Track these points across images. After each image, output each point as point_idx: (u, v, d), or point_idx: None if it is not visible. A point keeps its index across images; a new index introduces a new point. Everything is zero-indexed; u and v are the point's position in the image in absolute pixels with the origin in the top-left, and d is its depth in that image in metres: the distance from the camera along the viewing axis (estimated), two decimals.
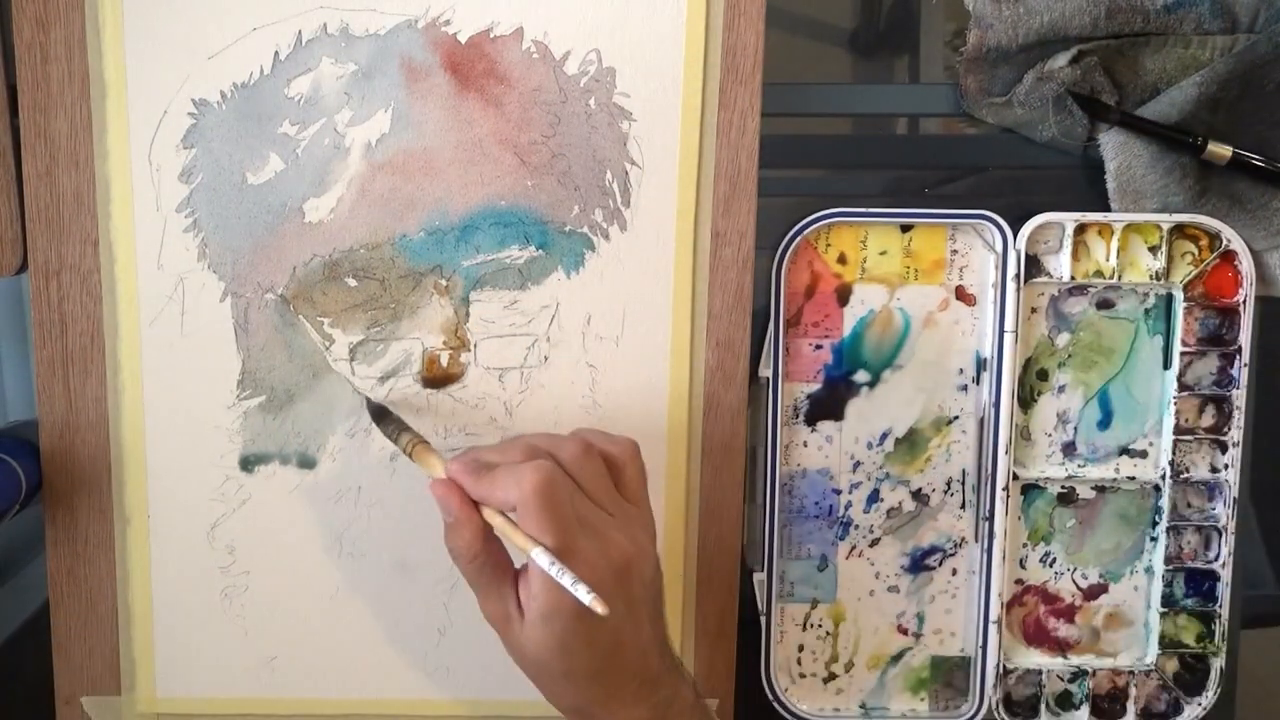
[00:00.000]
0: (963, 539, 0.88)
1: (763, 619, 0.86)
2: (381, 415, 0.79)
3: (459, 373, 0.82)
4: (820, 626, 0.89)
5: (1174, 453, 0.86)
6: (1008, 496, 0.85)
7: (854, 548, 0.88)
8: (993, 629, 0.86)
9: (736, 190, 0.80)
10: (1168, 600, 0.88)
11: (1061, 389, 0.86)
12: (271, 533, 0.83)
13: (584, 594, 0.62)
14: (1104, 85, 0.82)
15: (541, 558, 0.63)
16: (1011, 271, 0.82)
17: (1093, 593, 0.89)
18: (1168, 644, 0.88)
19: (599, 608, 0.61)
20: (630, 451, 0.71)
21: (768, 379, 0.84)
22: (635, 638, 0.68)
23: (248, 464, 0.82)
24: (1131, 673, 0.88)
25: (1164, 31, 0.82)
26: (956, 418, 0.86)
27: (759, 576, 0.86)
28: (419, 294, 0.80)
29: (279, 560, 0.83)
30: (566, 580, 0.62)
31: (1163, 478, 0.86)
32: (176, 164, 0.79)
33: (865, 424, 0.87)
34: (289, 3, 0.77)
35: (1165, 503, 0.86)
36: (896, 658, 0.89)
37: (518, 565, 0.68)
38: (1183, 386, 0.85)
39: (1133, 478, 0.87)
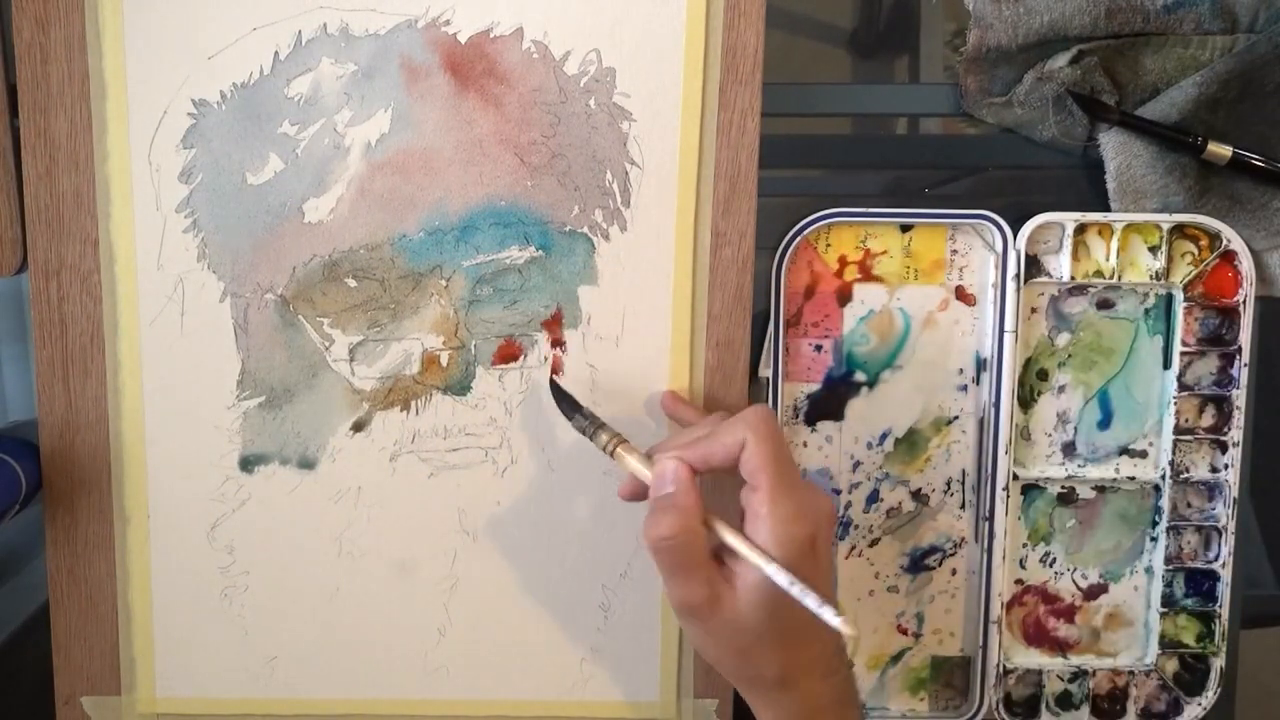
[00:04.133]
0: (962, 539, 0.88)
1: None
2: (574, 409, 0.78)
3: (458, 373, 0.82)
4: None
5: (1174, 453, 0.86)
6: (1008, 496, 0.85)
7: (854, 548, 0.88)
8: (993, 629, 0.86)
9: (736, 190, 0.80)
10: (1168, 600, 0.88)
11: (1061, 389, 0.86)
12: (271, 533, 0.83)
13: (830, 615, 0.63)
14: (1104, 85, 0.82)
15: (780, 576, 0.64)
16: (1011, 271, 0.82)
17: (1093, 593, 0.89)
18: (1168, 644, 0.88)
19: (847, 630, 0.63)
20: None
21: (768, 379, 0.84)
22: (831, 581, 0.72)
23: (247, 464, 0.82)
24: (1131, 673, 0.88)
25: (1164, 31, 0.81)
26: (956, 418, 0.86)
27: None
28: (419, 294, 0.80)
29: (279, 560, 0.83)
30: (811, 601, 0.63)
31: (1163, 478, 0.86)
32: (176, 164, 0.79)
33: (865, 424, 0.87)
34: (289, 3, 0.77)
35: (1165, 503, 0.86)
36: (896, 658, 0.89)
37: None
38: (1183, 386, 0.85)
39: (1133, 478, 0.87)
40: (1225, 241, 0.83)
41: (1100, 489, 0.87)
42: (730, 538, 0.67)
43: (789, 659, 0.69)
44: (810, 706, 0.70)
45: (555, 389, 0.79)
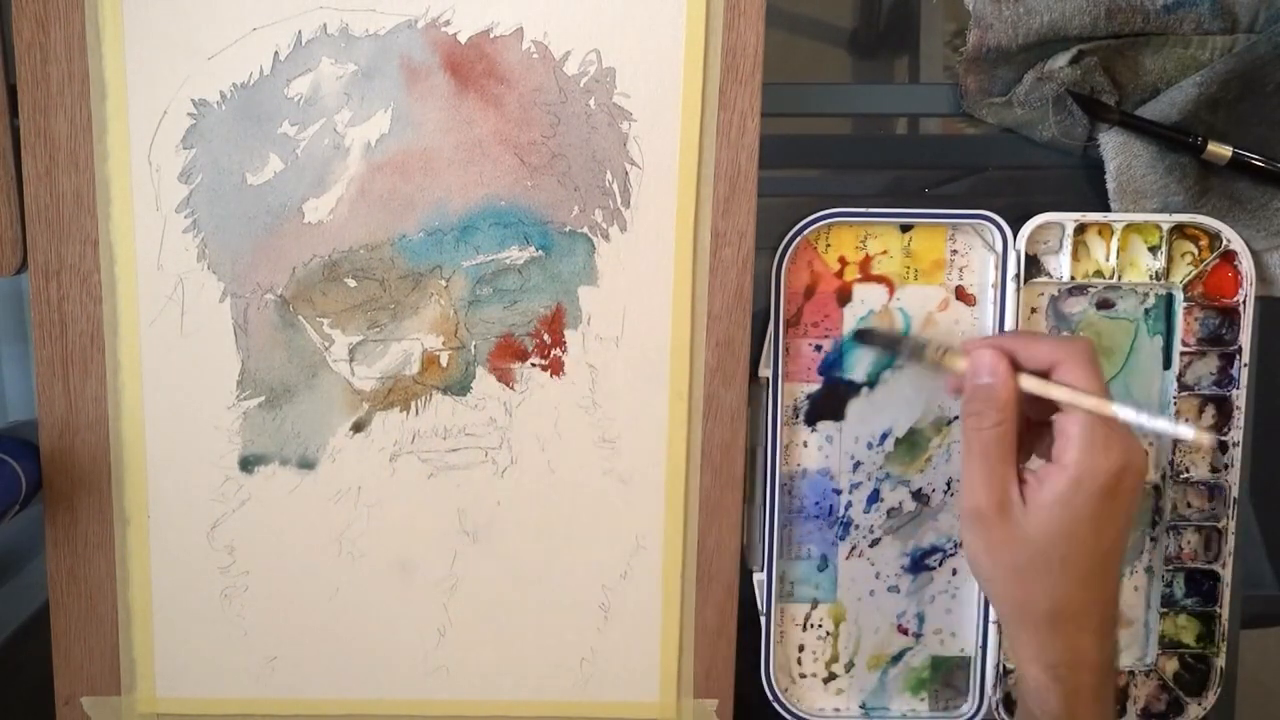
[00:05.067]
0: None
1: (763, 619, 0.86)
2: (893, 343, 0.80)
3: (458, 373, 0.82)
4: (820, 626, 0.89)
5: (1174, 453, 0.86)
6: None
7: (854, 548, 0.88)
8: (993, 629, 0.86)
9: (736, 190, 0.80)
10: (1168, 600, 0.88)
11: None
12: (271, 533, 0.83)
13: (1187, 430, 0.64)
14: (1104, 85, 0.82)
15: (1124, 410, 0.65)
16: (1011, 271, 0.82)
17: None
18: (1168, 644, 0.88)
19: (1205, 439, 0.65)
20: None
21: (768, 379, 0.84)
22: (1122, 549, 0.69)
23: (247, 464, 0.82)
24: (1131, 673, 0.88)
25: (1164, 31, 0.81)
26: (957, 418, 0.86)
27: (759, 576, 0.86)
28: (418, 294, 0.80)
29: (279, 561, 0.83)
30: (1163, 423, 0.64)
31: (1163, 478, 0.86)
32: (176, 164, 0.79)
33: (865, 424, 0.87)
34: (289, 3, 0.77)
35: (1165, 503, 0.86)
36: (897, 658, 0.89)
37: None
38: (1183, 386, 0.85)
39: None
40: (1225, 241, 0.83)
41: None
42: (1052, 390, 0.67)
43: (1065, 594, 0.68)
44: (1076, 656, 0.69)
45: (868, 336, 0.81)
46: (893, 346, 0.79)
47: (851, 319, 0.85)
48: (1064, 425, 0.67)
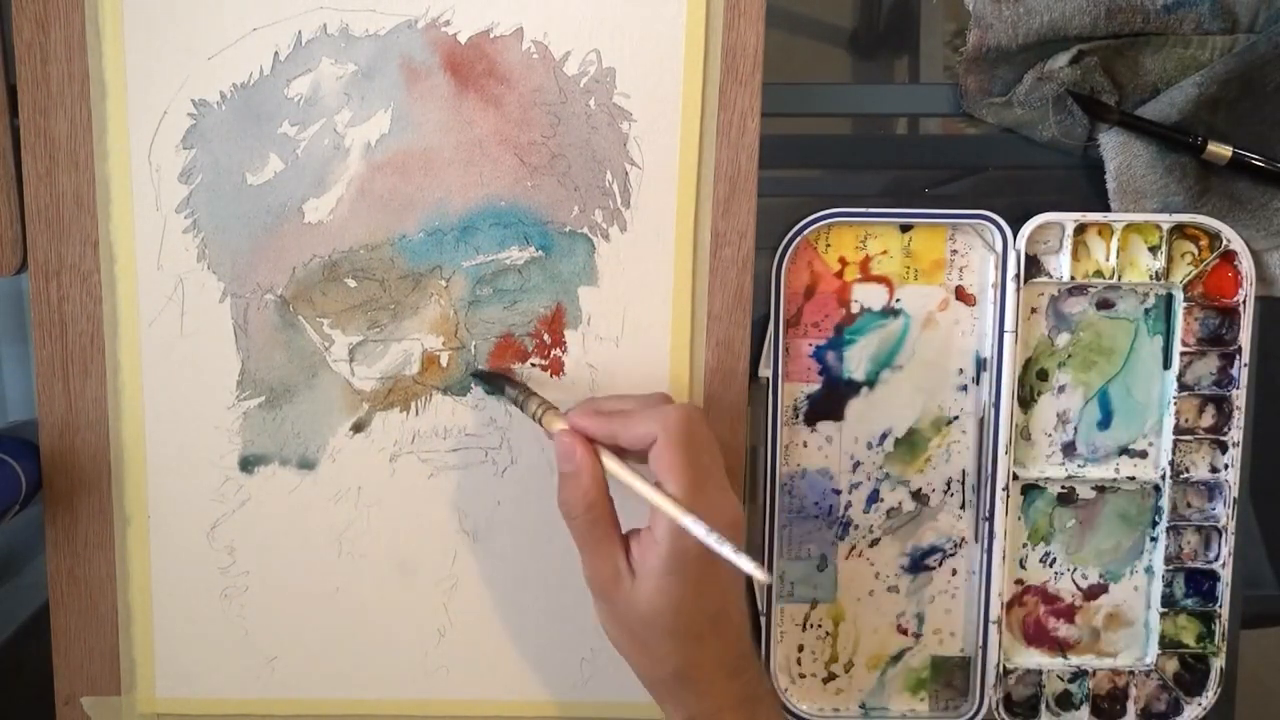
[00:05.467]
0: (962, 539, 0.88)
1: (763, 619, 0.86)
2: (502, 384, 0.79)
3: (458, 373, 0.82)
4: (820, 626, 0.89)
5: (1174, 453, 0.86)
6: (1008, 496, 0.85)
7: (854, 548, 0.88)
8: (993, 629, 0.86)
9: (736, 191, 0.80)
10: (1168, 600, 0.88)
11: (1061, 389, 0.86)
12: (271, 533, 0.83)
13: (746, 563, 0.62)
14: (1104, 85, 0.82)
15: (696, 527, 0.64)
16: (1011, 271, 0.82)
17: (1093, 593, 0.89)
18: (1168, 644, 0.88)
19: (760, 575, 0.61)
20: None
21: (768, 379, 0.84)
22: (737, 603, 0.72)
23: (247, 464, 0.82)
24: (1131, 673, 0.88)
25: (1164, 31, 0.81)
26: (956, 418, 0.86)
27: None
28: (418, 294, 0.80)
29: (279, 561, 0.83)
30: (727, 550, 0.62)
31: (1163, 478, 0.86)
32: (176, 164, 0.79)
33: (865, 424, 0.87)
34: (289, 3, 0.77)
35: (1165, 503, 0.86)
36: (896, 658, 0.89)
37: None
38: (1183, 386, 0.85)
39: (1133, 478, 0.87)
40: (1225, 241, 0.83)
41: (1100, 489, 0.87)
42: (638, 486, 0.67)
43: (689, 654, 0.69)
44: (714, 705, 0.70)
45: (481, 376, 0.81)
46: (501, 389, 0.79)
47: (851, 319, 0.85)
48: (657, 503, 0.67)
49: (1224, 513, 0.86)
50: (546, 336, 0.81)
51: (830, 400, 0.86)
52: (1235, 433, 0.85)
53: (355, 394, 0.81)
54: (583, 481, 0.69)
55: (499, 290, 0.80)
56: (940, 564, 0.88)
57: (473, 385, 0.82)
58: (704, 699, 0.70)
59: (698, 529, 0.64)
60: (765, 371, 0.84)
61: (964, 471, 0.87)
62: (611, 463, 0.69)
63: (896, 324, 0.85)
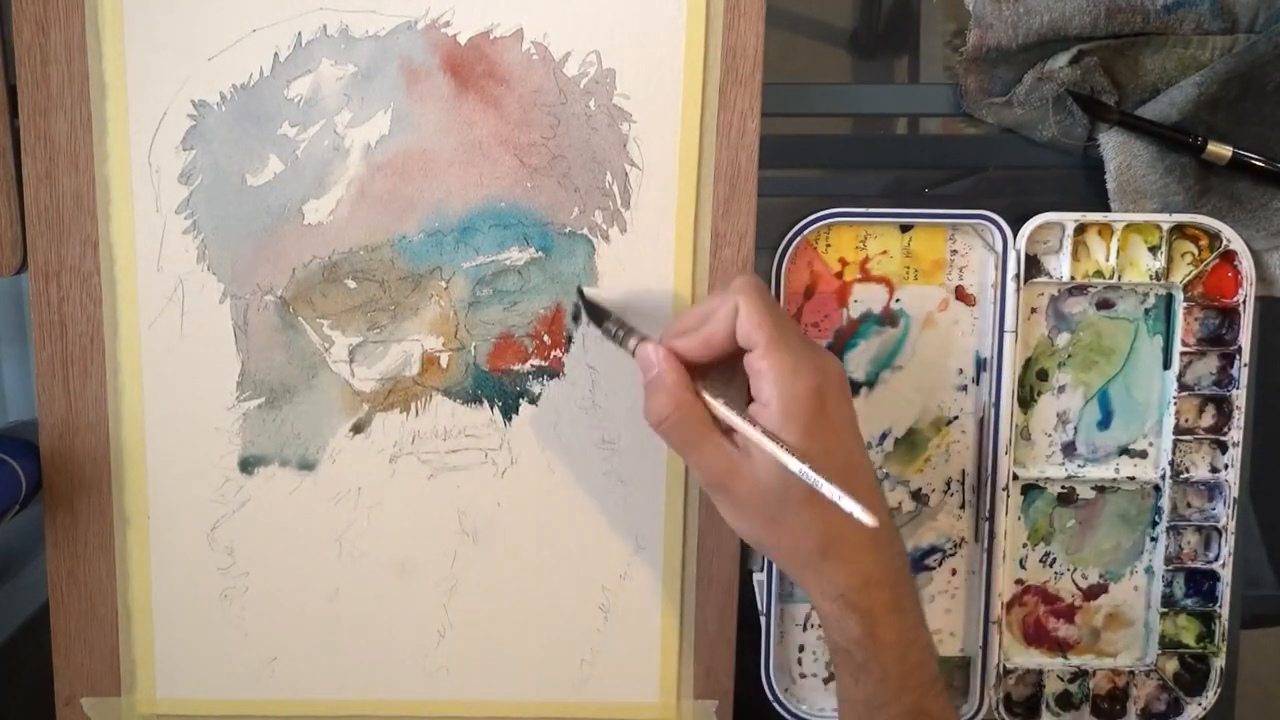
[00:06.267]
0: (962, 539, 0.88)
1: (763, 619, 0.86)
2: (603, 316, 0.78)
3: (458, 374, 0.82)
4: (820, 627, 0.88)
5: (1174, 453, 0.86)
6: (1007, 496, 0.85)
7: None
8: (993, 629, 0.86)
9: (736, 191, 0.80)
10: (1168, 600, 0.88)
11: (1061, 389, 0.86)
12: (271, 534, 0.83)
13: (849, 504, 0.61)
14: (1104, 85, 0.82)
15: (794, 464, 0.63)
16: (1011, 271, 0.82)
17: (1093, 593, 0.89)
18: (1168, 644, 0.88)
19: (867, 519, 0.61)
20: None
21: None
22: (863, 456, 0.69)
23: (247, 465, 0.82)
24: (1131, 673, 0.88)
25: (1164, 31, 0.81)
26: (956, 418, 0.86)
27: (759, 576, 0.86)
28: (418, 295, 0.80)
29: (279, 562, 0.83)
30: (825, 489, 0.62)
31: (1163, 478, 0.86)
32: (176, 165, 0.79)
33: (865, 424, 0.86)
34: (289, 4, 0.77)
35: (1165, 503, 0.86)
36: None
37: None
38: (1183, 386, 0.85)
39: (1133, 478, 0.87)
40: (1225, 241, 0.83)
41: (1100, 489, 0.87)
42: (733, 418, 0.67)
43: (824, 524, 0.67)
44: (860, 580, 0.68)
45: (584, 300, 0.80)
46: (600, 320, 0.78)
47: (851, 319, 0.85)
48: (753, 363, 0.66)
49: (1224, 513, 0.86)
50: (546, 337, 0.81)
51: None
52: (1235, 433, 0.85)
53: (355, 395, 0.81)
54: (667, 383, 0.68)
55: (499, 291, 0.80)
56: (940, 564, 0.88)
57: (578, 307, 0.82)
58: (852, 574, 0.68)
59: (790, 462, 0.63)
60: None
61: (964, 471, 0.87)
62: (710, 399, 0.68)
63: (896, 328, 0.85)
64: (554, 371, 0.82)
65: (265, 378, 0.81)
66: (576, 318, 0.81)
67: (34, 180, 0.78)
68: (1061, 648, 0.89)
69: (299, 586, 0.84)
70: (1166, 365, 0.86)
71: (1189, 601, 0.88)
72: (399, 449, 0.82)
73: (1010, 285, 0.82)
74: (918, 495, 0.87)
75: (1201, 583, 0.87)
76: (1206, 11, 0.81)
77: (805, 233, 0.82)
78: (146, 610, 0.84)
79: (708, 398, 0.68)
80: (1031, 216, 0.82)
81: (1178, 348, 0.85)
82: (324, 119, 0.78)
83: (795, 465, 0.63)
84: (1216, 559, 0.86)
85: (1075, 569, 0.88)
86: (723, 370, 0.70)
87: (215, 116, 0.78)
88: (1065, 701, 0.89)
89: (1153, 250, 0.83)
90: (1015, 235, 0.82)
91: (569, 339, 0.82)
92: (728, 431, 0.68)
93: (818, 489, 0.62)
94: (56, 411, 0.81)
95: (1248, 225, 0.84)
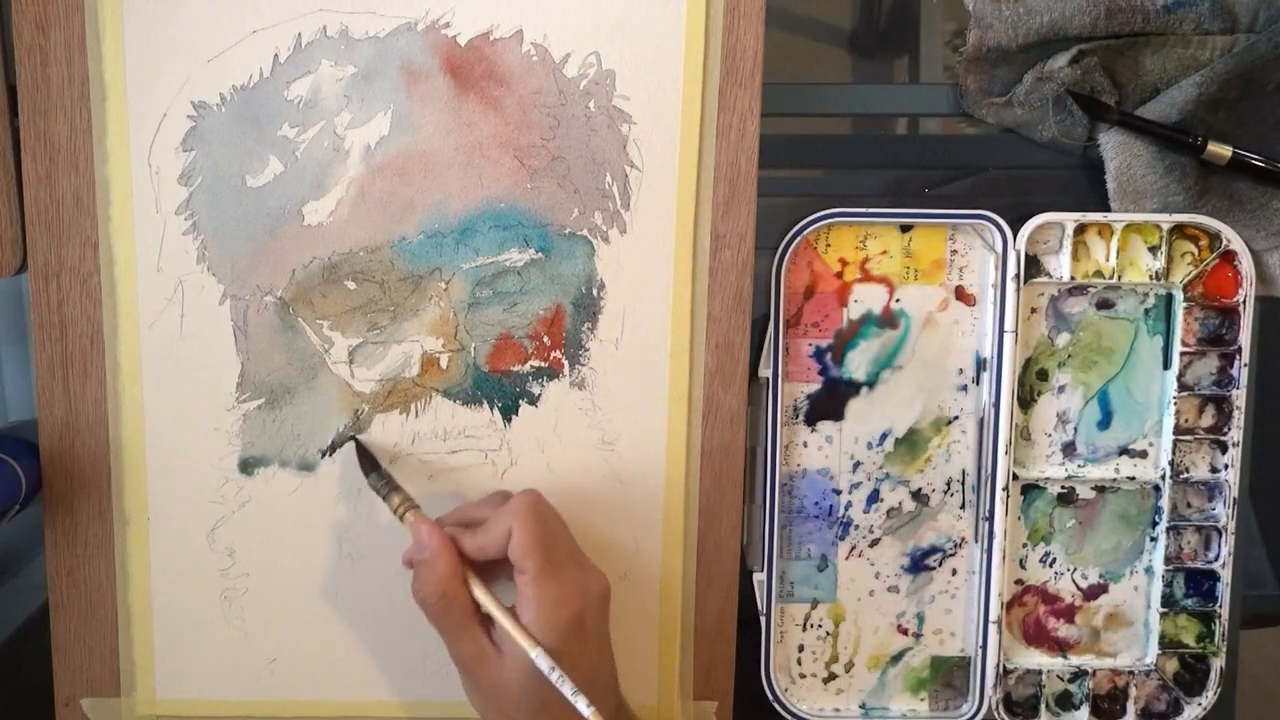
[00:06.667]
0: (963, 539, 0.88)
1: (763, 619, 0.86)
2: (372, 467, 0.80)
3: (458, 375, 0.82)
4: (820, 626, 0.89)
5: (1174, 453, 0.86)
6: (1008, 496, 0.85)
7: (854, 548, 0.88)
8: (993, 629, 0.86)
9: (736, 193, 0.80)
10: (1168, 600, 0.88)
11: (1061, 389, 0.86)
12: (271, 535, 0.83)
13: (583, 706, 0.65)
14: (1104, 85, 0.82)
15: (541, 661, 0.67)
16: (1011, 271, 0.82)
17: (1093, 593, 0.89)
18: (1168, 644, 0.88)
19: (591, 716, 0.65)
20: None
21: (767, 379, 0.84)
22: (608, 668, 0.73)
23: (247, 466, 0.82)
24: (1131, 673, 0.88)
25: (1164, 31, 0.81)
26: (956, 418, 0.86)
27: (759, 576, 0.86)
28: (418, 296, 0.80)
29: (278, 563, 0.83)
30: (567, 689, 0.66)
31: (1163, 478, 0.86)
32: (176, 166, 0.79)
33: (865, 424, 0.86)
34: (288, 5, 0.77)
35: (1165, 503, 0.86)
36: (896, 658, 0.89)
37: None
38: (1183, 386, 0.85)
39: (1133, 478, 0.87)
40: (1225, 241, 0.83)
41: (1100, 489, 0.87)
42: (495, 613, 0.70)
43: None
44: None
45: (358, 446, 0.81)
46: (366, 472, 0.79)
47: (851, 319, 0.85)
48: (521, 587, 0.70)
49: (1224, 513, 0.86)
50: (546, 338, 0.81)
51: (830, 400, 0.86)
52: (1235, 433, 0.85)
53: (355, 396, 0.81)
54: (438, 567, 0.71)
55: (499, 292, 0.80)
56: (940, 564, 0.88)
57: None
58: None
59: (540, 663, 0.67)
60: (765, 371, 0.84)
61: (964, 471, 0.87)
62: (477, 589, 0.71)
63: (896, 328, 0.85)
64: (554, 372, 0.82)
65: (265, 379, 0.81)
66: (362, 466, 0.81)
67: (34, 181, 0.78)
68: (1061, 648, 0.89)
69: (299, 587, 0.84)
70: (1166, 365, 0.86)
71: (1189, 601, 0.88)
72: (399, 450, 0.82)
73: (1010, 285, 0.82)
74: (918, 495, 0.87)
75: (1201, 583, 0.87)
76: (1206, 11, 0.81)
77: (805, 233, 0.82)
78: (146, 611, 0.84)
79: (475, 590, 0.71)
80: (1031, 216, 0.82)
81: (1178, 348, 0.85)
82: (324, 120, 0.78)
83: (544, 663, 0.67)
84: (1216, 559, 0.86)
85: (1075, 569, 0.88)
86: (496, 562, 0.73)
87: (215, 118, 0.78)
88: (1065, 701, 0.89)
89: (1153, 250, 0.83)
90: (1015, 235, 0.82)
91: (569, 340, 0.81)
92: (488, 619, 0.71)
93: (560, 689, 0.66)
94: (56, 412, 0.81)
95: (1248, 225, 0.84)
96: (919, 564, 0.88)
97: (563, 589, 0.69)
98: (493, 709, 0.71)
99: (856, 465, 0.87)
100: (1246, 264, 0.83)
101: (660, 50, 0.78)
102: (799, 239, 0.82)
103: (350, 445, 0.82)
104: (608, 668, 0.73)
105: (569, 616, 0.69)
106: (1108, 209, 0.84)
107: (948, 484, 0.87)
